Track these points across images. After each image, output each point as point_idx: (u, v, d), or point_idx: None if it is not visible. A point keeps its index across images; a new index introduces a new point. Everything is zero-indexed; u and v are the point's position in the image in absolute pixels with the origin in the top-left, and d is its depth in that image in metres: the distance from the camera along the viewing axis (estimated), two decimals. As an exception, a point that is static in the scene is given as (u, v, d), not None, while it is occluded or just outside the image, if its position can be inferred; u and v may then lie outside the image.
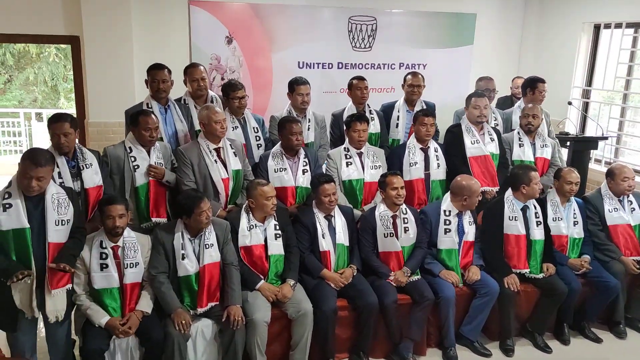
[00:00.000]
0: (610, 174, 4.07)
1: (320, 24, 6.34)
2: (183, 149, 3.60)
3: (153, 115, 3.51)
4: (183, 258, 3.12)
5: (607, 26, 6.18)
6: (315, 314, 3.31)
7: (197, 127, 3.87)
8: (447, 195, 3.81)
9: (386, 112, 4.61)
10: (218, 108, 3.67)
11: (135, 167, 3.46)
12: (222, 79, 6.10)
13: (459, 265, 3.73)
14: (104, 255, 2.99)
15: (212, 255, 3.18)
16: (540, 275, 3.74)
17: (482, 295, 3.63)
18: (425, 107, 4.49)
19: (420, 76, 4.55)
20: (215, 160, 3.57)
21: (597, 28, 6.36)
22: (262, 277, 3.37)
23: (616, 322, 3.96)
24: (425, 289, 3.53)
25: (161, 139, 3.73)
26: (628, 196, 4.05)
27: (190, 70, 4.02)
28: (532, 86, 4.62)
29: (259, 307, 3.23)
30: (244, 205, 3.45)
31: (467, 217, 3.80)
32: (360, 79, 4.46)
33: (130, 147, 3.49)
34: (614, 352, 3.78)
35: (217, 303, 3.21)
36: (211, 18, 5.91)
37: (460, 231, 3.75)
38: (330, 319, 3.33)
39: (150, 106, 3.78)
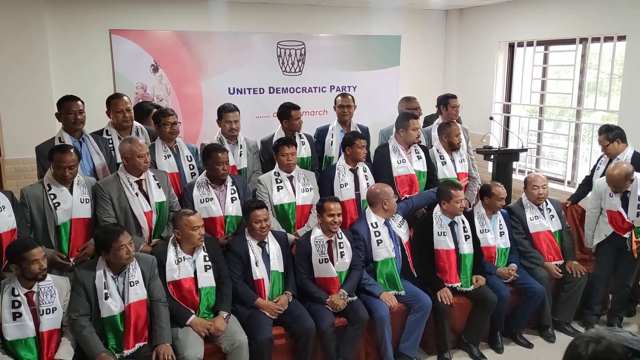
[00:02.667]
0: (525, 184, 4.29)
1: (249, 50, 6.36)
2: (102, 182, 3.46)
3: (72, 151, 3.32)
4: (106, 297, 2.97)
5: (521, 44, 6.56)
6: (250, 345, 3.23)
7: (119, 159, 3.73)
8: (368, 209, 3.88)
9: (321, 135, 4.67)
10: (142, 141, 3.56)
11: (56, 205, 3.27)
12: (149, 108, 5.95)
13: (398, 272, 3.77)
14: (16, 304, 2.78)
15: (138, 293, 3.04)
16: (471, 288, 3.84)
17: (417, 311, 3.67)
18: (358, 130, 4.55)
19: (350, 97, 4.64)
20: (136, 194, 3.44)
21: (511, 46, 6.74)
22: (193, 311, 3.25)
23: (544, 326, 4.11)
24: (359, 309, 3.53)
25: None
26: (547, 204, 4.25)
27: (115, 100, 3.89)
28: (445, 103, 4.81)
29: (191, 343, 3.11)
30: (170, 238, 3.34)
31: (395, 222, 3.87)
32: (296, 107, 4.37)
33: (49, 185, 3.30)
34: (545, 355, 3.91)
35: (146, 343, 3.06)
36: (135, 46, 5.80)
37: (394, 237, 3.82)
38: (267, 348, 3.26)
39: (63, 140, 3.60)
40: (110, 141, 3.87)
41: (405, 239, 3.90)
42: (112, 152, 3.84)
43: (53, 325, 2.87)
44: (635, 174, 3.94)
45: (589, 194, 4.41)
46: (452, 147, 4.41)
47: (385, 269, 3.76)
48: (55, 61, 5.46)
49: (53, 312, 2.87)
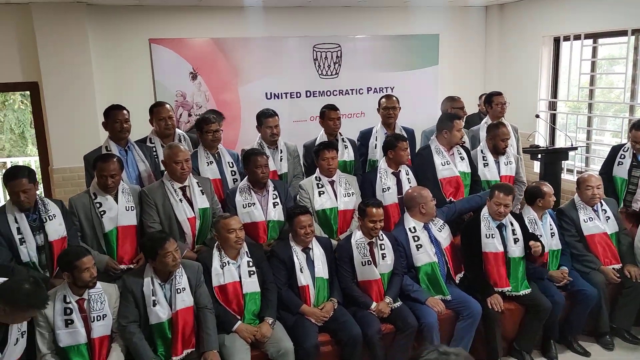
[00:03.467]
0: (578, 184, 4.10)
1: (285, 54, 6.35)
2: (147, 189, 3.50)
3: (115, 160, 3.37)
4: (154, 305, 2.98)
5: (567, 38, 6.32)
6: (296, 351, 3.19)
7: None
8: (406, 214, 3.79)
9: (365, 138, 4.61)
10: (183, 147, 3.58)
11: (102, 213, 3.33)
12: (189, 115, 6.03)
13: (443, 276, 3.68)
14: (68, 311, 2.82)
15: (185, 300, 3.05)
16: (522, 293, 3.69)
17: (465, 318, 3.55)
18: (403, 132, 4.46)
19: (394, 98, 4.55)
20: (180, 200, 3.46)
21: (557, 41, 6.50)
22: (239, 317, 3.24)
23: (602, 333, 3.91)
24: (408, 316, 3.45)
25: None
26: (602, 205, 4.06)
27: (157, 109, 3.94)
28: (489, 101, 4.71)
29: (237, 350, 3.09)
30: (215, 244, 3.34)
31: (435, 227, 3.77)
32: (333, 108, 4.39)
33: (94, 194, 3.36)
34: (604, 362, 3.74)
35: (193, 349, 3.07)
36: (173, 55, 5.87)
37: (435, 242, 3.72)
38: (313, 355, 3.21)
39: (109, 149, 3.67)
40: (154, 149, 3.91)
41: (445, 244, 3.77)
42: (157, 159, 3.88)
43: (104, 331, 2.91)
44: None
45: None
46: (496, 151, 4.27)
47: (427, 274, 3.67)
48: (98, 71, 5.59)
49: (103, 319, 2.90)
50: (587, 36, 6.06)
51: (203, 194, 3.56)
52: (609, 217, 4.04)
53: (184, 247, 3.40)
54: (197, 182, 3.58)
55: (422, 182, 4.08)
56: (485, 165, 4.24)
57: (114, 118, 3.68)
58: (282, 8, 6.25)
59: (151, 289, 3.00)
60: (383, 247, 3.58)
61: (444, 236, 3.79)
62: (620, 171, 4.31)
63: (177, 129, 4.07)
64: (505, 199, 3.66)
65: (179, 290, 3.03)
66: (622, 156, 4.33)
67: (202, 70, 6.00)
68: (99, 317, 2.89)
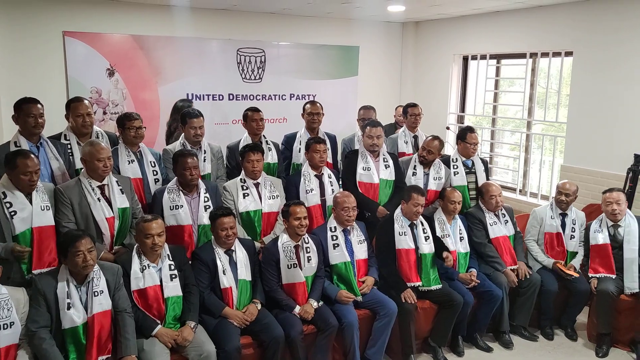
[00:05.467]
0: (481, 193, 4.43)
1: (209, 56, 6.29)
2: (62, 187, 3.31)
3: (33, 157, 3.14)
4: (68, 308, 2.82)
5: (474, 57, 6.82)
6: (218, 355, 3.15)
7: (79, 164, 3.59)
8: (332, 215, 3.93)
9: (289, 142, 4.68)
10: (105, 144, 3.44)
11: (12, 213, 3.08)
12: (104, 113, 5.78)
13: (355, 278, 3.79)
14: (-31, 320, 2.61)
15: (102, 303, 2.91)
16: (433, 288, 3.92)
17: (382, 317, 3.70)
18: (326, 138, 4.58)
19: (318, 104, 4.68)
20: (98, 199, 3.31)
21: (465, 59, 7.00)
22: (159, 321, 3.15)
23: (502, 332, 4.22)
24: (329, 316, 3.53)
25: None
26: (501, 209, 4.42)
27: (75, 104, 3.76)
28: (405, 111, 5.00)
29: (157, 354, 3.01)
30: (135, 246, 3.24)
31: (356, 237, 3.89)
32: (255, 110, 4.46)
33: (4, 192, 3.10)
34: (504, 358, 4.04)
35: (109, 356, 2.93)
36: (89, 50, 5.62)
37: (349, 250, 3.84)
38: (235, 358, 3.19)
39: (18, 145, 3.43)
40: (69, 146, 3.72)
41: (360, 256, 3.88)
42: (71, 157, 3.69)
43: (11, 340, 2.71)
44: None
45: None
46: (420, 162, 4.47)
47: (341, 273, 3.77)
48: (4, 61, 5.19)
49: (11, 327, 2.70)
50: (492, 57, 6.60)
51: (123, 193, 3.43)
52: (507, 221, 4.41)
53: (101, 248, 3.25)
54: (117, 181, 3.45)
55: (344, 184, 4.22)
56: (414, 174, 4.45)
57: (28, 112, 3.44)
58: (207, 9, 6.19)
59: (66, 291, 2.83)
60: (308, 250, 3.65)
61: (360, 250, 3.90)
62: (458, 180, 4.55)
63: (95, 127, 3.89)
64: (421, 199, 3.93)
65: (96, 293, 2.89)
66: (455, 166, 4.56)
67: (120, 67, 5.78)
68: (5, 326, 2.68)
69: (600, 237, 4.23)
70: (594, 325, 4.17)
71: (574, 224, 4.43)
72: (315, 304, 3.58)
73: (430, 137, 4.49)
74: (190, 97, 6.14)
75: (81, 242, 2.83)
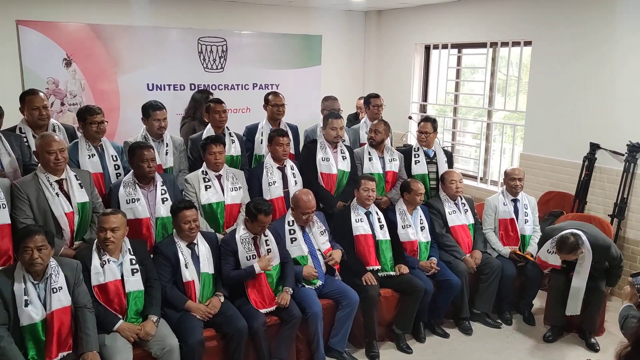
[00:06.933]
0: (442, 179, 4.55)
1: (169, 45, 6.19)
2: (19, 182, 3.23)
3: None
4: (26, 305, 2.77)
5: (436, 47, 6.91)
6: (181, 348, 3.17)
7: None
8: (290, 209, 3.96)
9: (251, 133, 4.65)
10: (57, 136, 3.36)
11: None
12: (62, 104, 5.64)
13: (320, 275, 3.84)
14: None
15: (62, 300, 2.87)
16: (393, 273, 4.05)
17: (344, 307, 3.78)
18: (288, 129, 4.57)
19: (281, 96, 4.67)
20: (57, 194, 3.25)
21: (427, 48, 7.08)
22: (121, 316, 3.14)
23: (462, 319, 4.35)
24: (292, 307, 3.58)
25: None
26: (461, 199, 4.54)
27: (29, 97, 3.66)
28: (367, 102, 5.06)
29: (119, 349, 3.00)
30: (94, 241, 3.20)
31: (317, 228, 3.94)
32: (218, 102, 4.42)
33: None
34: (465, 343, 4.17)
35: (70, 352, 2.91)
36: (45, 39, 5.44)
37: (308, 242, 3.89)
38: (198, 351, 3.21)
39: None
40: (25, 140, 3.62)
41: (324, 248, 3.95)
42: (29, 150, 3.59)
43: (-33, 340, 2.65)
44: None
45: None
46: (370, 144, 4.56)
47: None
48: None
49: (-34, 326, 2.65)
50: (454, 46, 6.70)
51: (82, 188, 3.37)
52: (467, 210, 4.54)
53: (61, 244, 3.21)
54: (75, 175, 3.39)
55: (305, 174, 4.26)
56: (370, 159, 4.52)
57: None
58: (166, -3, 6.07)
59: (23, 288, 2.78)
60: (268, 243, 3.67)
61: (322, 241, 3.96)
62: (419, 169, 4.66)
63: (52, 119, 3.80)
64: (370, 183, 4.07)
65: (54, 290, 2.85)
66: (417, 155, 4.69)
67: (78, 57, 5.63)
68: (-39, 325, 2.64)
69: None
70: (548, 314, 4.29)
71: (526, 209, 4.60)
72: (290, 291, 3.62)
73: (377, 121, 4.62)
74: (150, 88, 6.04)
75: (31, 239, 2.76)
